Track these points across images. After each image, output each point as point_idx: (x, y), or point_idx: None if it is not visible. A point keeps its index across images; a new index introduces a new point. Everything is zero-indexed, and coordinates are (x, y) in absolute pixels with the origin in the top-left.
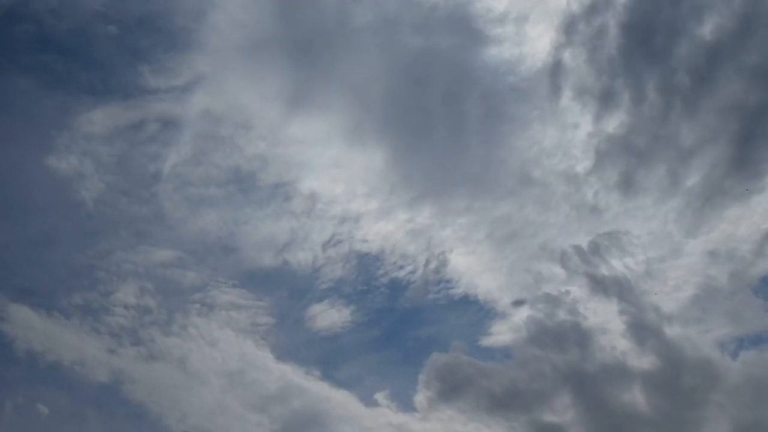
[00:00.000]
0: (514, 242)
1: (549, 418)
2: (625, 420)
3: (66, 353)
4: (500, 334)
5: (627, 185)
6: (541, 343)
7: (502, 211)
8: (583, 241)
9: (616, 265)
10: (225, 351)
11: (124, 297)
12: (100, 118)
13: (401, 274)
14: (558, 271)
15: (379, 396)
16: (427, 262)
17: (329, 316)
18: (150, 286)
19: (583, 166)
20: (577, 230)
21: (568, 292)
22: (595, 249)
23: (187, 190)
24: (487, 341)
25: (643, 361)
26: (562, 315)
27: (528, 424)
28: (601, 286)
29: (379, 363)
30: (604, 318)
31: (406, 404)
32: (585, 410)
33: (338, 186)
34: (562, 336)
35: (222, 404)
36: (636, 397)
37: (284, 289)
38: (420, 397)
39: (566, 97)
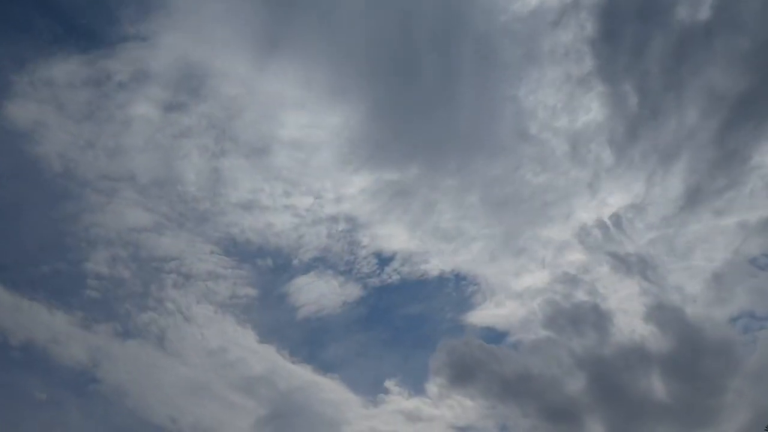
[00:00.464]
0: (510, 207)
1: (562, 404)
2: (641, 407)
3: (38, 331)
4: (496, 308)
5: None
6: (548, 322)
7: (497, 171)
8: (588, 208)
9: (624, 237)
10: (205, 328)
11: (95, 267)
12: (64, 67)
13: (389, 244)
14: (559, 239)
15: (386, 384)
16: (416, 227)
17: (316, 288)
18: (122, 254)
19: (584, 120)
20: (580, 194)
21: (571, 263)
22: (600, 221)
23: (160, 141)
24: (481, 316)
25: (661, 344)
26: (565, 289)
27: (541, 410)
28: (615, 258)
29: (367, 344)
30: (606, 283)
31: (385, 391)
32: (600, 396)
33: (321, 133)
34: (569, 313)
35: (205, 385)
36: (653, 383)
37: (267, 257)
38: (429, 385)
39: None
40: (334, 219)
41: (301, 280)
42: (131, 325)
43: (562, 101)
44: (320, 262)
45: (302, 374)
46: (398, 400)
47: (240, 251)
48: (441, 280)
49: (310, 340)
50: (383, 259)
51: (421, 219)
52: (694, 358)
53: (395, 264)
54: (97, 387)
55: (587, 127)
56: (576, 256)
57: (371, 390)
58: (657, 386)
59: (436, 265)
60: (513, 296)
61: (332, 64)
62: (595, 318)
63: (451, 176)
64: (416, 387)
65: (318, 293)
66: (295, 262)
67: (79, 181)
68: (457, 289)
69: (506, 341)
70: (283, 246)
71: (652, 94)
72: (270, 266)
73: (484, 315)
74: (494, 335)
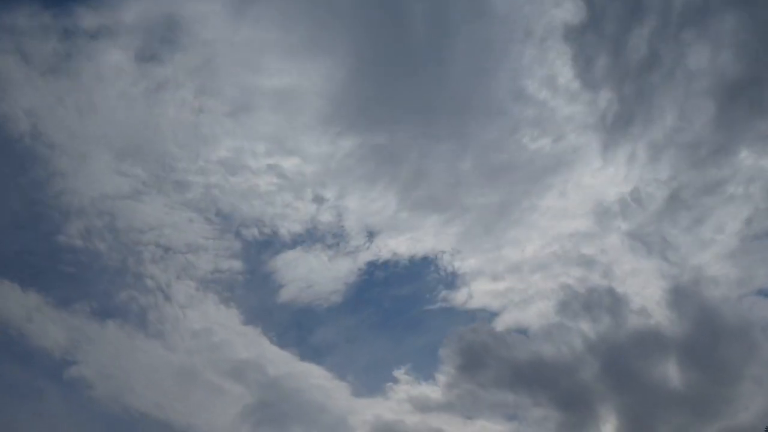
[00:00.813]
0: (506, 174)
1: (576, 392)
2: (656, 396)
3: (11, 312)
4: (493, 283)
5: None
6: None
7: (491, 135)
8: (591, 175)
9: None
10: (187, 308)
11: (68, 239)
12: (28, 14)
13: (379, 215)
14: (558, 208)
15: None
16: (406, 196)
17: (304, 263)
18: (97, 224)
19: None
20: (582, 160)
21: (572, 235)
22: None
23: (134, 95)
24: (476, 293)
25: (676, 329)
26: (566, 264)
27: (553, 399)
28: (626, 235)
29: (359, 327)
30: (610, 254)
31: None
32: (613, 385)
33: (303, 91)
34: (581, 296)
35: (190, 369)
36: (669, 371)
37: (251, 226)
38: (437, 373)
39: None
40: (321, 184)
41: (288, 255)
42: (109, 304)
43: (562, 57)
44: (307, 237)
45: (291, 360)
46: (404, 388)
47: (222, 218)
48: (435, 252)
49: (298, 323)
50: (372, 232)
51: (411, 187)
52: (711, 343)
53: (385, 236)
54: (77, 371)
55: (589, 84)
56: (578, 227)
57: (365, 378)
58: (672, 373)
59: (428, 234)
60: (510, 270)
61: (313, 12)
62: (600, 290)
63: (442, 141)
64: (418, 374)
65: (307, 268)
66: (282, 231)
67: (48, 143)
68: (452, 263)
69: (501, 319)
70: (267, 213)
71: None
72: (255, 236)
73: (479, 291)
74: (489, 314)
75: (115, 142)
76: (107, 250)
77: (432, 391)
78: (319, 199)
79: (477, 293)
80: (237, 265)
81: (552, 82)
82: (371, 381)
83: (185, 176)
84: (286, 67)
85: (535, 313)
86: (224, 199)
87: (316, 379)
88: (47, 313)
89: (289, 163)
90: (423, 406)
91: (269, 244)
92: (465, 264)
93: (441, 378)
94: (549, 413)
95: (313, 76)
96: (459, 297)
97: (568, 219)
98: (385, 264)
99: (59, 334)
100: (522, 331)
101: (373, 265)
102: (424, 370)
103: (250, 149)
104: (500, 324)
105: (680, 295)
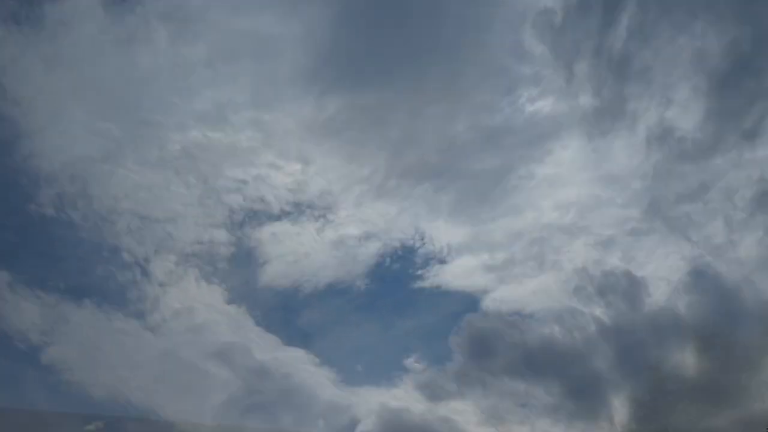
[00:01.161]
0: (501, 138)
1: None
2: (672, 385)
3: None
4: (489, 256)
5: None
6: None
7: (486, 95)
8: (589, 142)
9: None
10: (167, 285)
11: (39, 209)
12: None
13: (365, 186)
14: (561, 177)
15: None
16: (394, 162)
17: (293, 235)
18: (70, 191)
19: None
20: (582, 123)
21: (572, 204)
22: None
23: (105, 43)
24: (465, 267)
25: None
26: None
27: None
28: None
29: (348, 309)
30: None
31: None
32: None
33: (286, 28)
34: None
35: (174, 352)
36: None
37: (233, 190)
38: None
39: None
40: (305, 145)
41: (275, 227)
42: (85, 282)
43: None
44: (294, 207)
45: (277, 344)
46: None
47: (202, 181)
48: (427, 224)
49: (284, 304)
50: (361, 201)
51: (401, 151)
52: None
53: (374, 205)
54: (54, 352)
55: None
56: (579, 196)
57: (357, 364)
58: (688, 362)
59: (420, 202)
60: (508, 241)
61: None
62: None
63: (433, 100)
64: (425, 361)
65: (294, 241)
66: (267, 197)
67: (13, 99)
68: (446, 233)
69: (498, 294)
70: (250, 174)
71: None
72: (239, 203)
73: (471, 266)
74: (482, 291)
75: (86, 97)
76: (81, 220)
77: (431, 376)
78: (303, 159)
79: (470, 268)
80: (219, 235)
81: (549, 34)
82: (364, 367)
83: (162, 132)
84: (266, 6)
85: (536, 286)
86: (204, 157)
87: (303, 364)
88: (20, 291)
89: (271, 117)
90: (430, 394)
91: (254, 214)
92: (458, 233)
93: (439, 360)
94: (559, 402)
95: (295, 23)
96: (451, 271)
97: (569, 187)
98: (376, 235)
99: (33, 315)
100: (519, 312)
101: (363, 238)
102: (428, 355)
103: (230, 101)
104: (496, 300)
105: (690, 275)
